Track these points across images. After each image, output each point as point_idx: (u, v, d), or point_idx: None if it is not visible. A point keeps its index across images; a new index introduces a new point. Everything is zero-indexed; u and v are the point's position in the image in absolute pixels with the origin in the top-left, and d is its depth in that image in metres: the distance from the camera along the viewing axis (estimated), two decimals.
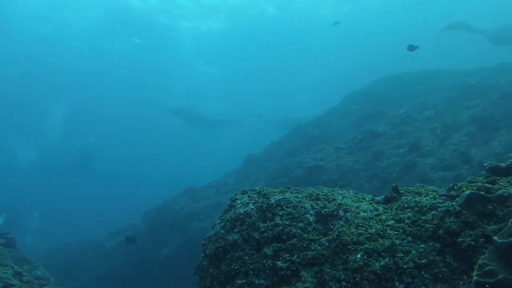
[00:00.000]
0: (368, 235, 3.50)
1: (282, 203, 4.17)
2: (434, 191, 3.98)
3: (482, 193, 3.26)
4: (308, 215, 3.95)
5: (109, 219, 39.08)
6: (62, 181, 53.91)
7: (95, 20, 37.26)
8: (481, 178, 3.72)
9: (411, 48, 12.51)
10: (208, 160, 70.15)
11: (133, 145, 73.01)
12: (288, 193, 4.45)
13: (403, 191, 4.08)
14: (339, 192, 4.60)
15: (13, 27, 36.48)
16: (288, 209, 4.07)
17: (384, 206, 3.97)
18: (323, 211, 3.94)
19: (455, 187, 3.63)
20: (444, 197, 3.59)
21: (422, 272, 3.12)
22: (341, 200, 4.17)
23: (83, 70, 46.74)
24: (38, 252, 22.80)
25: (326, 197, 4.29)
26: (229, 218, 4.47)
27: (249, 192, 4.82)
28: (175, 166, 71.64)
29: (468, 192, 3.30)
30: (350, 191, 4.68)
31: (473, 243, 3.07)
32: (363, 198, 4.33)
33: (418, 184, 4.41)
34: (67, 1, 34.48)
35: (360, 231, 3.58)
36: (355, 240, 3.50)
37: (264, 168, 19.37)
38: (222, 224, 4.49)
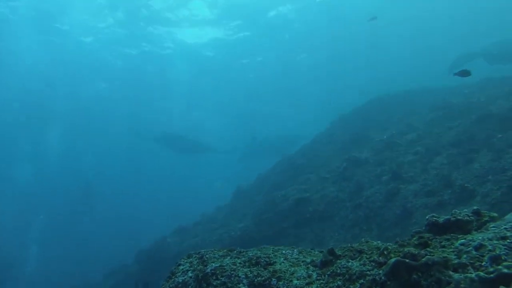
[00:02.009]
0: None
1: (217, 272, 4.00)
2: (376, 248, 3.83)
3: (407, 260, 3.10)
4: (241, 284, 3.79)
5: (101, 255, 38.79)
6: (59, 214, 53.62)
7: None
8: (414, 238, 3.57)
9: (463, 73, 11.15)
10: (202, 187, 69.81)
11: (125, 176, 72.20)
12: (227, 259, 4.29)
13: (341, 253, 3.92)
14: (283, 252, 4.43)
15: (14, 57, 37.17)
16: (222, 279, 3.91)
17: (318, 271, 3.81)
18: (255, 280, 3.77)
19: (385, 252, 3.47)
20: (374, 263, 3.43)
21: None
22: (279, 265, 4.01)
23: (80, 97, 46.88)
24: None
25: (267, 260, 4.13)
26: (168, 287, 4.31)
27: (193, 257, 4.66)
28: (171, 196, 71.02)
29: (393, 260, 3.15)
30: (295, 250, 4.52)
31: None
32: (304, 261, 4.16)
33: (363, 239, 4.26)
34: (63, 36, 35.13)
35: None
36: None
37: (251, 202, 19.19)
38: None
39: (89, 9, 31.27)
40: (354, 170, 15.75)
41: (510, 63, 26.28)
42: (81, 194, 48.50)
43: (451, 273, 2.91)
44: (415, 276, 3.00)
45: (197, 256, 4.63)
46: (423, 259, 3.05)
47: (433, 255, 3.07)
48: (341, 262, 3.69)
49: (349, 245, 4.12)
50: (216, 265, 4.12)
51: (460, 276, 2.84)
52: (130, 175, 71.73)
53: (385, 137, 17.56)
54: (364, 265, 3.46)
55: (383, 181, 13.96)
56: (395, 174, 13.81)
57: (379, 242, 4.13)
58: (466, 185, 11.52)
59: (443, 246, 3.29)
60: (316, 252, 4.50)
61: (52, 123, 51.08)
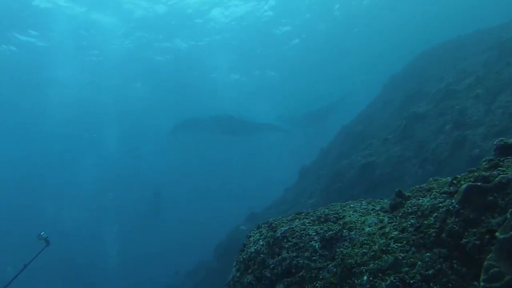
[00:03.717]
0: (372, 253, 3.25)
1: (288, 234, 3.97)
2: (446, 183, 3.66)
3: (479, 184, 2.94)
4: (313, 242, 3.73)
5: (182, 256, 39.71)
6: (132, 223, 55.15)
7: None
8: (484, 163, 3.37)
9: None
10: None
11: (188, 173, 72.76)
12: (296, 221, 4.24)
13: (410, 193, 3.78)
14: (351, 206, 4.34)
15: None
16: (294, 240, 3.87)
17: (389, 215, 3.69)
18: (327, 235, 3.70)
19: (455, 181, 3.31)
20: (445, 195, 3.27)
21: (431, 284, 2.84)
22: (349, 218, 3.92)
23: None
24: None
25: (336, 216, 4.05)
26: (242, 259, 4.33)
27: (262, 227, 4.65)
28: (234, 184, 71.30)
29: (464, 186, 2.99)
30: (363, 202, 4.41)
31: (478, 242, 2.76)
32: (373, 209, 4.06)
33: (431, 178, 4.09)
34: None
35: (364, 250, 3.33)
36: (359, 261, 3.25)
37: (317, 177, 19.03)
38: (237, 266, 4.35)
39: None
40: (415, 126, 15.28)
41: None
42: (149, 205, 50.01)
43: None
44: (490, 198, 2.84)
45: (265, 225, 4.61)
46: (497, 178, 2.88)
47: (506, 174, 2.89)
48: (411, 202, 3.56)
49: (417, 186, 3.97)
50: (285, 228, 4.09)
51: None
52: (193, 169, 72.32)
53: (441, 86, 16.88)
54: (435, 198, 3.32)
55: (447, 131, 13.45)
56: (458, 121, 13.28)
57: (448, 178, 3.94)
58: None
59: None
60: (385, 201, 4.37)
61: (108, 126, 52.78)
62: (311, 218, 4.19)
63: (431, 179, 4.07)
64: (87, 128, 53.09)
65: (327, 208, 4.42)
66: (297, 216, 4.46)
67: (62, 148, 58.61)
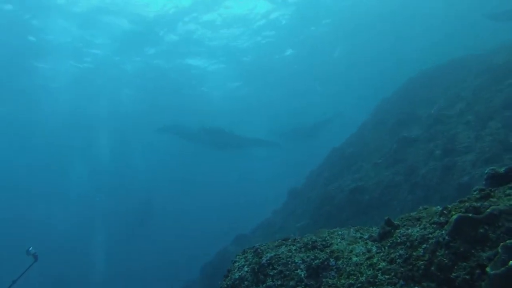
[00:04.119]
0: (359, 285, 3.14)
1: (273, 261, 3.85)
2: (436, 212, 3.57)
3: (470, 215, 2.85)
4: (299, 270, 3.62)
5: (168, 274, 39.17)
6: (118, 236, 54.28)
7: None
8: (475, 193, 3.29)
9: None
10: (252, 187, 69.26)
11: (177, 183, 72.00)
12: (283, 247, 4.13)
13: (399, 222, 3.69)
14: (339, 233, 4.24)
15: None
16: (279, 267, 3.76)
17: (378, 245, 3.59)
18: (313, 264, 3.59)
19: (445, 211, 3.22)
20: (435, 225, 3.18)
21: None
22: (336, 245, 3.81)
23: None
24: None
25: (323, 243, 3.94)
26: (225, 286, 4.20)
27: (247, 252, 4.53)
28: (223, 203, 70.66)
29: (455, 217, 2.91)
30: (351, 229, 4.31)
31: (468, 277, 2.66)
32: (361, 237, 3.96)
33: (421, 207, 4.00)
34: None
35: (350, 281, 3.22)
36: None
37: (307, 200, 18.91)
38: None
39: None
40: (406, 150, 15.26)
41: None
42: (138, 214, 49.50)
43: None
44: (481, 230, 2.76)
45: (251, 250, 4.49)
46: (488, 210, 2.80)
47: (498, 205, 2.81)
48: (400, 231, 3.46)
49: (407, 214, 3.88)
50: (271, 254, 3.98)
51: None
52: (181, 184, 71.66)
53: (432, 111, 16.92)
54: (425, 229, 3.23)
55: (437, 156, 13.43)
56: (449, 147, 13.28)
57: (439, 207, 3.86)
58: None
59: (508, 195, 3.01)
60: (374, 229, 4.28)
61: (98, 127, 52.10)
62: (298, 244, 4.08)
63: (421, 207, 3.99)
64: (78, 135, 52.67)
65: (314, 235, 4.31)
66: (284, 242, 4.35)
67: (53, 155, 58.18)
